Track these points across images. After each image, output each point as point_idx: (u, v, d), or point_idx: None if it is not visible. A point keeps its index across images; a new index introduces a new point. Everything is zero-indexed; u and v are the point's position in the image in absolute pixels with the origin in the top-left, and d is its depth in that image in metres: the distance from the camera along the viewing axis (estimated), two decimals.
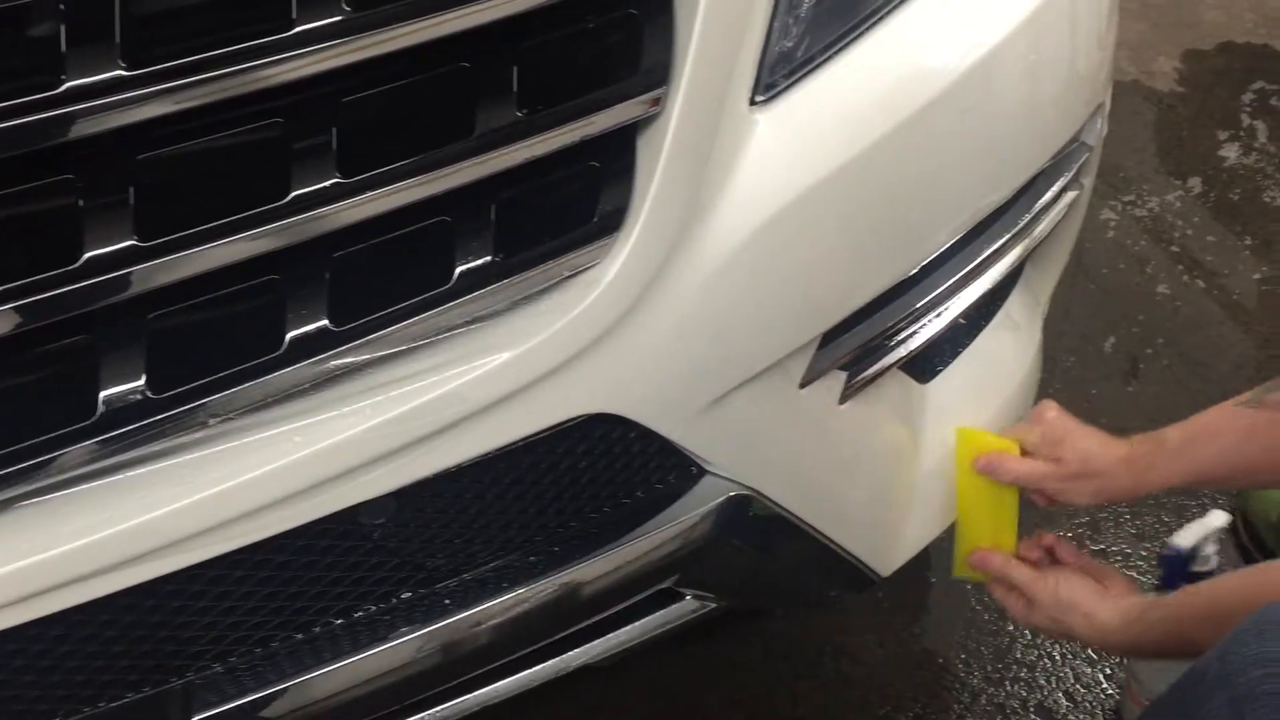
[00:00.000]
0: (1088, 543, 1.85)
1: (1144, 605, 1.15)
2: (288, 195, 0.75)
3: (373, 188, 0.77)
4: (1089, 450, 1.19)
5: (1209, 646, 0.92)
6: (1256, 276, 2.29)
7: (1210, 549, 1.49)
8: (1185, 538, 1.48)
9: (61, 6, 0.65)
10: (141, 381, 0.75)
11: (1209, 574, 1.46)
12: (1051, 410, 1.24)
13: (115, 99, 0.67)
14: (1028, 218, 1.19)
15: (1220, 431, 1.16)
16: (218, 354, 0.78)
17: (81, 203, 0.70)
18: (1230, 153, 2.59)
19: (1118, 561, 1.82)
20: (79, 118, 0.66)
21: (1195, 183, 2.51)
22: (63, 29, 0.66)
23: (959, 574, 1.29)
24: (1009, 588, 1.24)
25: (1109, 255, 2.37)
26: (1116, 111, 2.69)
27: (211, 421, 0.78)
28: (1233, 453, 1.15)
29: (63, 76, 0.65)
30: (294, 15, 0.71)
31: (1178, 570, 1.48)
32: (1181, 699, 0.94)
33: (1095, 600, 1.17)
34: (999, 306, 1.35)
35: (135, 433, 0.75)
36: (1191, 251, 2.37)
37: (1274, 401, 1.13)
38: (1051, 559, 1.26)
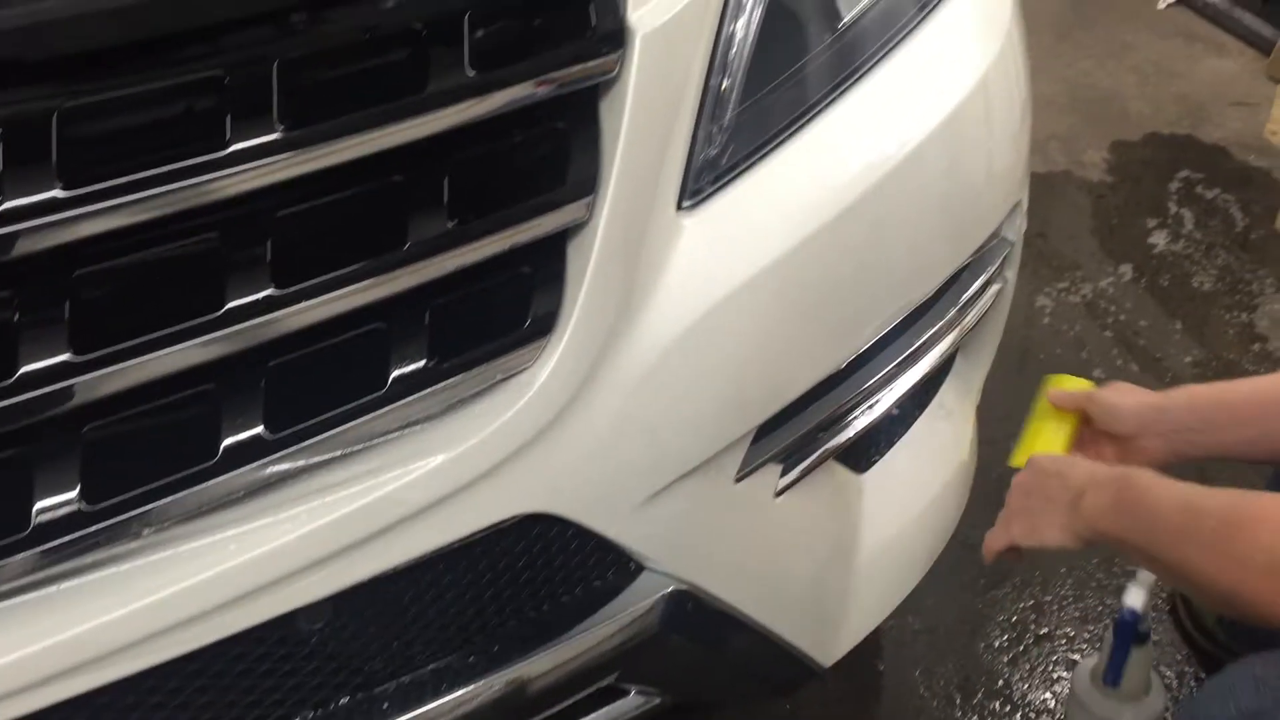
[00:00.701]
0: (1031, 626, 1.87)
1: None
2: (223, 307, 0.76)
3: (307, 298, 0.79)
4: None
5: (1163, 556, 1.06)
6: (1188, 360, 2.35)
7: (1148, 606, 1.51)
8: (1135, 598, 1.50)
9: None
10: (75, 493, 0.76)
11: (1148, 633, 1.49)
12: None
13: (51, 219, 0.69)
14: (954, 311, 1.22)
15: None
16: (152, 464, 0.79)
17: (16, 318, 0.71)
18: (1159, 239, 2.67)
19: (1062, 644, 1.84)
20: (16, 238, 0.68)
21: (1127, 269, 2.59)
22: None
23: (1013, 464, 1.42)
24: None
25: (1046, 340, 2.43)
26: (1050, 200, 2.79)
27: (145, 532, 0.78)
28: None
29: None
30: (228, 135, 0.73)
31: (1130, 632, 1.49)
32: None
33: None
34: (932, 396, 1.38)
35: (69, 545, 0.76)
36: (1125, 336, 2.43)
37: None
38: None
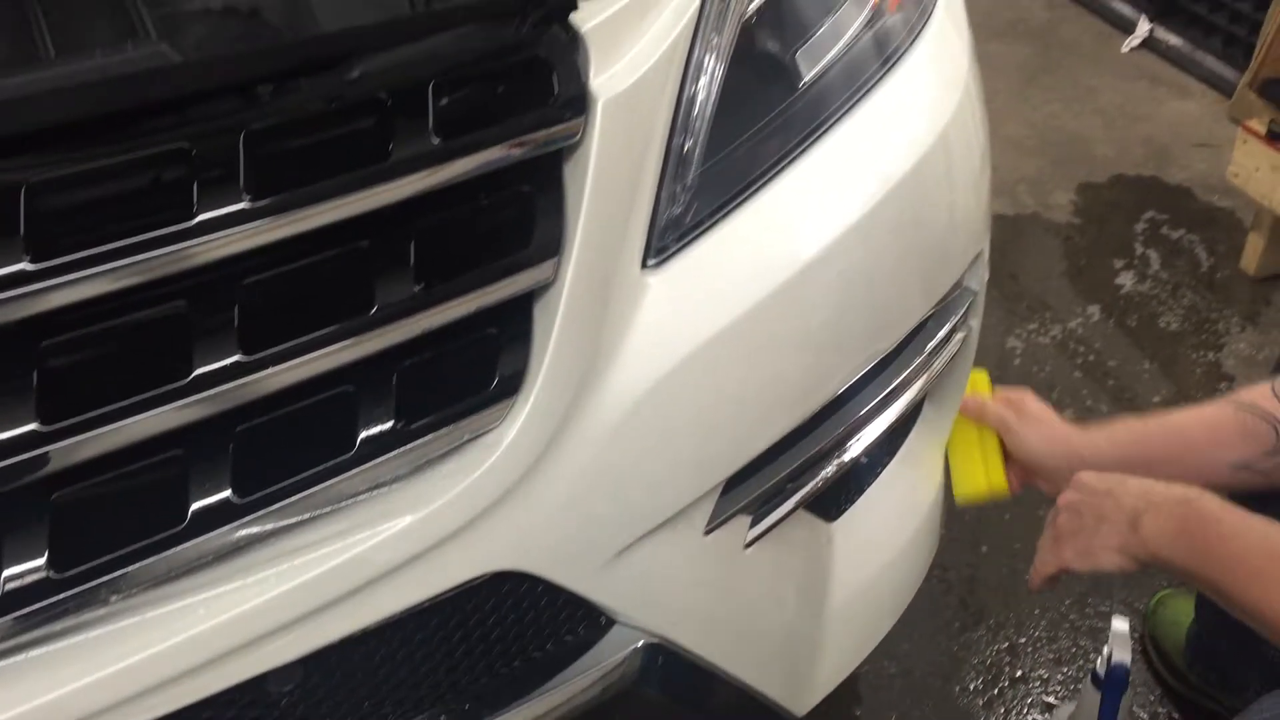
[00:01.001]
0: (1006, 668, 1.88)
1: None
2: (191, 374, 0.77)
3: (275, 363, 0.79)
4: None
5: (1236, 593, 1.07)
6: (1157, 399, 2.38)
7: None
8: (1121, 651, 1.51)
9: None
10: (43, 560, 0.76)
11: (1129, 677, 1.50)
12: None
13: (20, 292, 0.69)
14: (919, 359, 1.24)
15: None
16: (121, 530, 0.79)
17: None
18: (1126, 280, 2.71)
19: (1037, 686, 1.85)
20: None
21: (1095, 309, 2.62)
22: None
23: (960, 501, 1.44)
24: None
25: (1018, 381, 2.45)
26: (1019, 242, 2.83)
27: (114, 598, 0.79)
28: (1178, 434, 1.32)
29: None
30: (195, 205, 0.74)
31: (1121, 687, 1.50)
32: None
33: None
34: (901, 443, 1.40)
35: (36, 613, 0.76)
36: (1096, 376, 2.46)
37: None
38: None
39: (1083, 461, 1.34)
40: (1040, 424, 1.41)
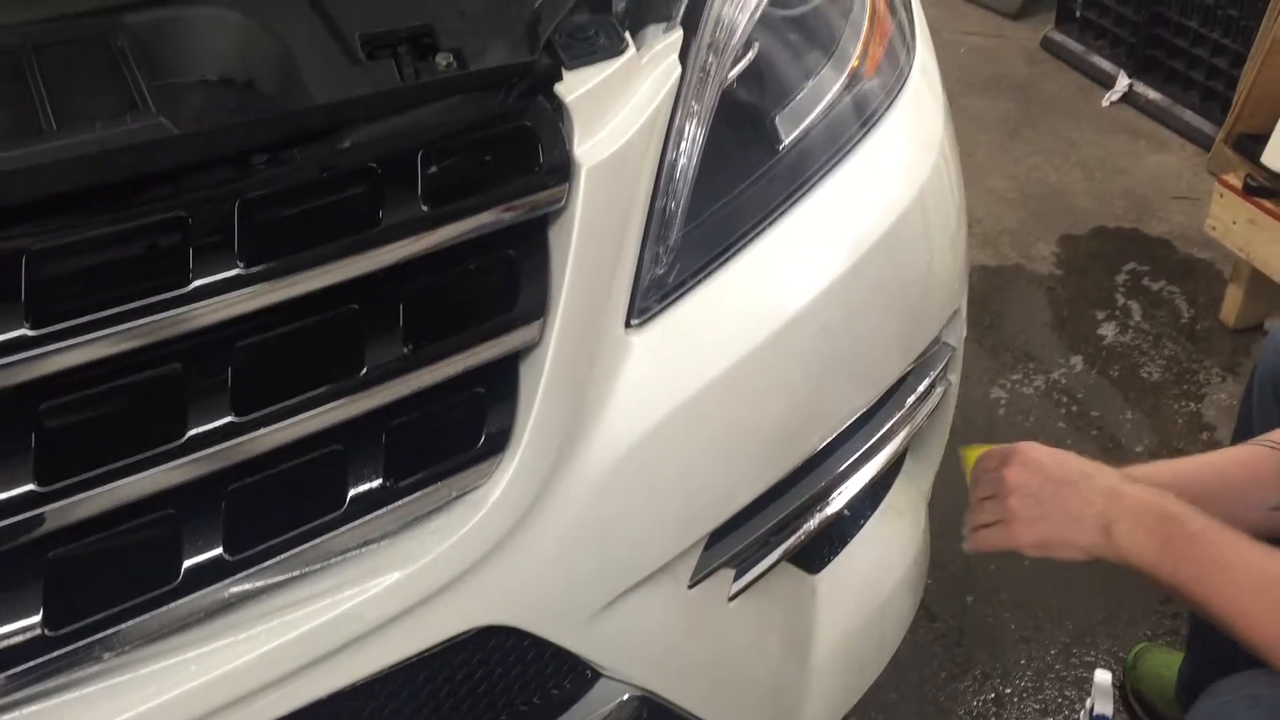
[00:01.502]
0: (992, 718, 1.89)
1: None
2: (184, 435, 0.79)
3: (267, 424, 0.81)
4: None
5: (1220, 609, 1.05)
6: (1139, 449, 2.41)
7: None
8: (1104, 704, 1.52)
9: None
10: (38, 618, 0.78)
11: None
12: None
13: (20, 357, 0.72)
14: (900, 414, 1.27)
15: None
16: (114, 587, 0.80)
17: None
18: (1108, 331, 2.74)
19: None
20: None
21: (1078, 360, 2.65)
22: None
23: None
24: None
25: (1003, 431, 2.48)
26: (1002, 293, 2.87)
27: (107, 655, 0.80)
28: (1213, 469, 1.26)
29: None
30: (191, 271, 0.77)
31: None
32: None
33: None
34: (883, 496, 1.42)
35: (30, 671, 0.77)
36: (1079, 426, 2.48)
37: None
38: None
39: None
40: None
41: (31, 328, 0.72)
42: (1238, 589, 1.09)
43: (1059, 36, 3.97)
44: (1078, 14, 3.91)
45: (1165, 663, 1.78)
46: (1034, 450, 1.25)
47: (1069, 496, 1.19)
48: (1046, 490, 1.21)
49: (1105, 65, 3.76)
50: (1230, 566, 1.11)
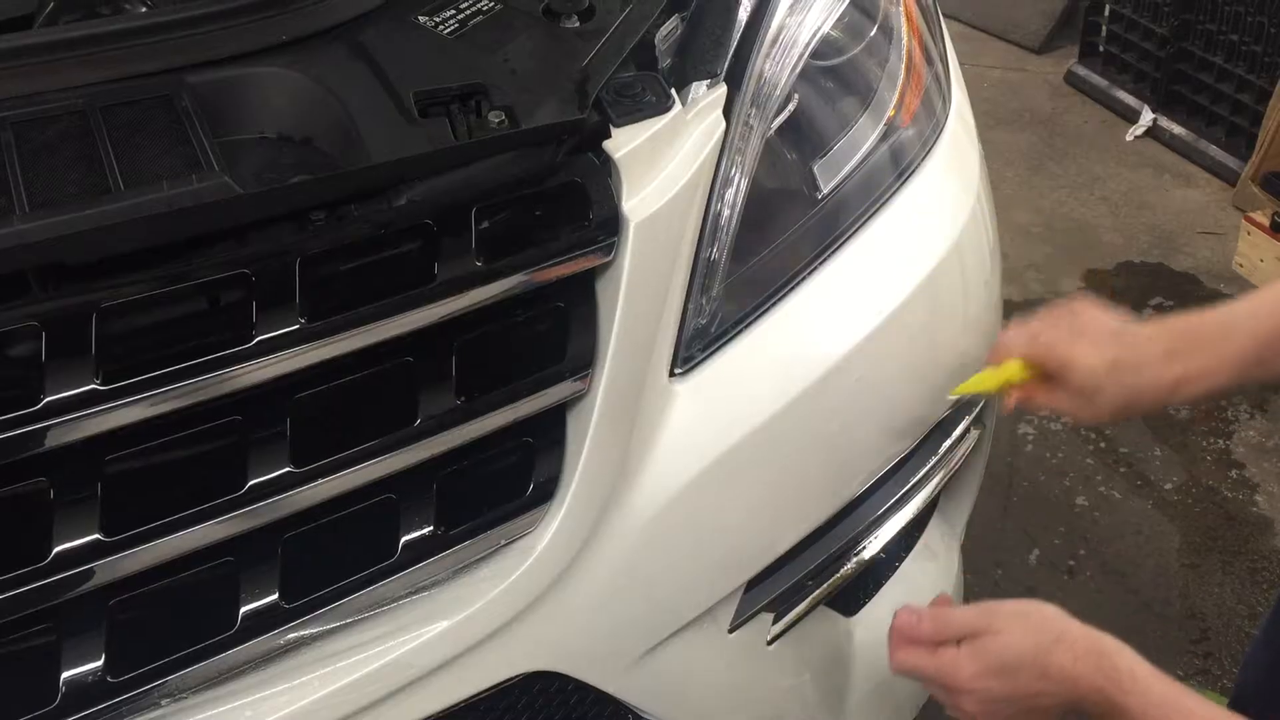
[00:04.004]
0: None
1: None
2: (245, 486, 0.81)
3: (324, 475, 0.83)
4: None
5: None
6: (1168, 486, 2.40)
7: None
8: None
9: (39, 326, 0.73)
10: (100, 664, 0.80)
11: None
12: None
13: (89, 412, 0.74)
14: (935, 458, 1.28)
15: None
16: (174, 634, 0.82)
17: (51, 502, 0.76)
18: None
19: None
20: (56, 430, 0.73)
21: None
22: (43, 348, 0.73)
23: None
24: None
25: (1030, 468, 2.48)
26: None
27: (165, 701, 0.82)
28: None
29: (41, 395, 0.72)
30: (254, 327, 0.79)
31: None
32: None
33: None
34: (918, 538, 1.43)
35: (92, 716, 0.79)
36: (1107, 463, 2.48)
37: None
38: None
39: (1124, 370, 1.08)
40: (1080, 342, 1.10)
41: (102, 384, 0.74)
42: None
43: (1082, 70, 3.99)
44: (1101, 48, 3.92)
45: None
46: (980, 680, 1.02)
47: (1038, 694, 1.01)
48: (1008, 690, 1.02)
49: (1129, 99, 3.77)
50: None
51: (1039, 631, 1.00)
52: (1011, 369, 1.12)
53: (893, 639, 1.07)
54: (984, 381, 1.13)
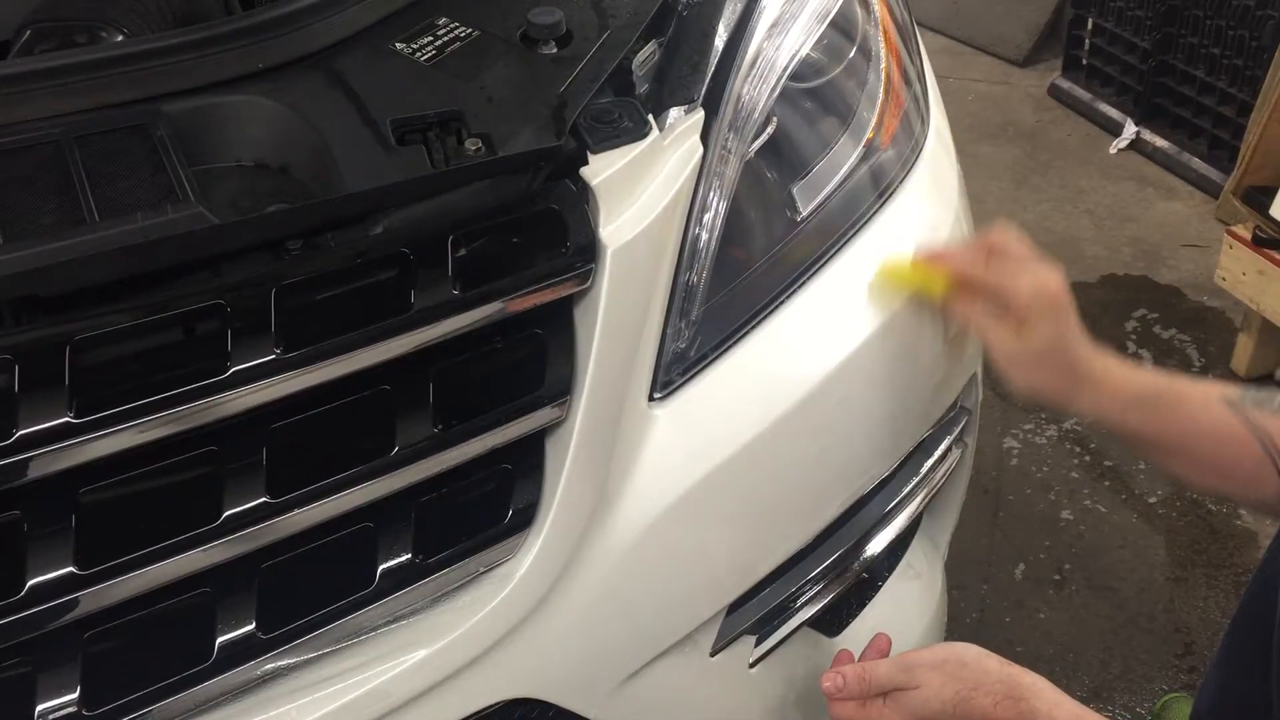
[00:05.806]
0: None
1: None
2: (221, 517, 0.81)
3: (301, 505, 0.83)
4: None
5: None
6: (1152, 500, 2.41)
7: None
8: None
9: (11, 360, 0.72)
10: (75, 696, 0.79)
11: None
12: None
13: (63, 445, 0.73)
14: (918, 478, 1.28)
15: (1190, 405, 1.12)
16: (150, 666, 0.82)
17: (23, 536, 0.76)
18: None
19: None
20: (29, 464, 0.73)
21: None
22: (16, 380, 0.73)
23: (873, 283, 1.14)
24: None
25: (1014, 482, 2.49)
26: None
27: None
28: (1183, 424, 1.11)
29: (14, 429, 0.72)
30: (229, 357, 0.79)
31: None
32: None
33: None
34: (901, 557, 1.43)
35: None
36: (1093, 475, 2.49)
37: (1251, 415, 1.08)
38: None
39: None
40: (1017, 269, 1.14)
41: (75, 416, 0.74)
42: None
43: (1066, 84, 4.01)
44: (1084, 62, 3.94)
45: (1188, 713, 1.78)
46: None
47: None
48: None
49: (1112, 113, 3.79)
50: None
51: (957, 680, 1.02)
52: (936, 279, 1.12)
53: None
54: (905, 278, 1.14)
